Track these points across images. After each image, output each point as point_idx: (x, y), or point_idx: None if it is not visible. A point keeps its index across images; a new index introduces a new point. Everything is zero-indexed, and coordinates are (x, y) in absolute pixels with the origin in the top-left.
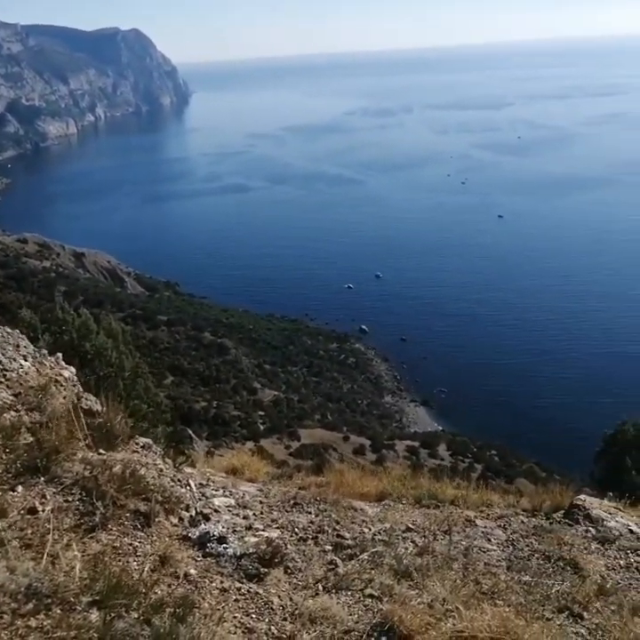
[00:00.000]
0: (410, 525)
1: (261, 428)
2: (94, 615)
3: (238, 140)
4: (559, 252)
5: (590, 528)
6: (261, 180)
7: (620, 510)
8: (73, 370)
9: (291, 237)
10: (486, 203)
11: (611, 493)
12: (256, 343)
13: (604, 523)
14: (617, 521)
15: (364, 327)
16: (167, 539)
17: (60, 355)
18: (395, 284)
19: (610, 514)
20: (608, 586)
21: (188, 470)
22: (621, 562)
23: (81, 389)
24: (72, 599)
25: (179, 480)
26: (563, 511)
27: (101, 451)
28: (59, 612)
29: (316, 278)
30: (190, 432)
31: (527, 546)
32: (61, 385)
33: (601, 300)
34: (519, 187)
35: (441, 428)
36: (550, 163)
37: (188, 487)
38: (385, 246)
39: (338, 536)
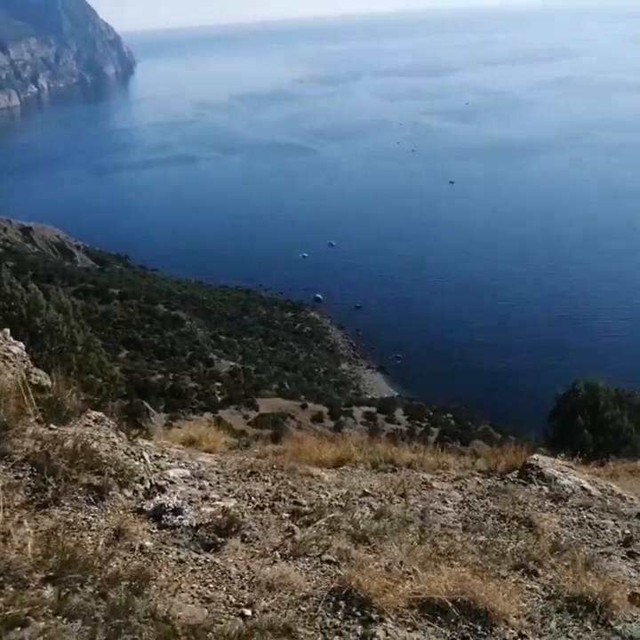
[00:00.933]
0: (366, 490)
1: (219, 399)
2: (48, 591)
3: (187, 110)
4: (511, 216)
5: (544, 486)
6: (212, 150)
7: (573, 468)
8: (22, 345)
9: (243, 207)
10: (437, 169)
11: (563, 452)
12: (211, 314)
13: (557, 481)
14: (569, 479)
15: (318, 296)
16: (121, 512)
17: (7, 330)
18: (348, 253)
19: (562, 472)
20: (562, 543)
21: (143, 443)
22: (574, 519)
23: (31, 365)
24: (25, 576)
25: (132, 453)
26: (517, 471)
27: (52, 426)
28: (11, 589)
29: (270, 248)
30: (147, 405)
31: (482, 506)
32: (10, 361)
33: (552, 264)
34: (469, 152)
35: (397, 393)
36: (499, 128)
37: (142, 460)
38: (338, 215)
39: (295, 503)
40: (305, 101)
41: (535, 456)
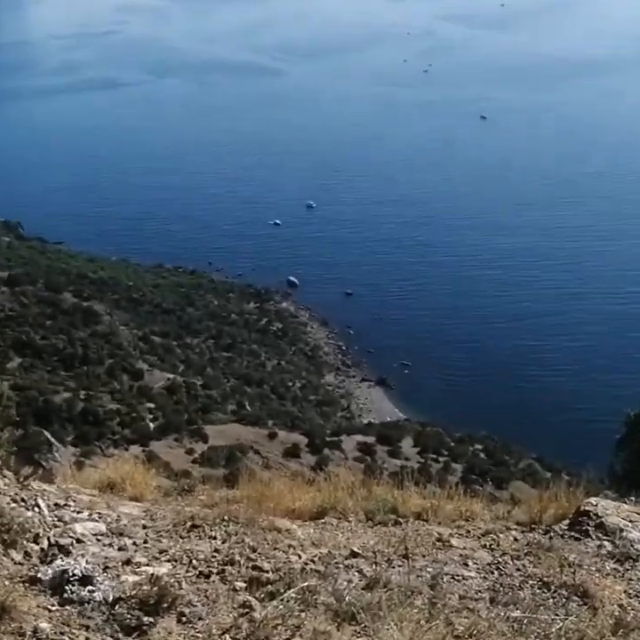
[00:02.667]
0: (356, 549)
1: (151, 426)
2: None
3: (103, 16)
4: (568, 168)
5: (605, 542)
6: (138, 72)
7: None
8: None
9: (183, 155)
10: (461, 98)
11: (634, 496)
12: (139, 306)
13: (624, 534)
14: None
15: (293, 279)
16: (6, 582)
17: None
18: (333, 219)
19: (631, 522)
20: (628, 619)
21: (40, 487)
22: None
23: None
24: None
25: (23, 500)
26: (568, 521)
27: None
28: None
29: (225, 213)
30: (48, 435)
31: (519, 570)
32: None
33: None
34: (504, 73)
35: (404, 416)
36: (546, 39)
37: (36, 510)
38: (318, 165)
39: (254, 568)
40: (268, 1)
41: (593, 500)
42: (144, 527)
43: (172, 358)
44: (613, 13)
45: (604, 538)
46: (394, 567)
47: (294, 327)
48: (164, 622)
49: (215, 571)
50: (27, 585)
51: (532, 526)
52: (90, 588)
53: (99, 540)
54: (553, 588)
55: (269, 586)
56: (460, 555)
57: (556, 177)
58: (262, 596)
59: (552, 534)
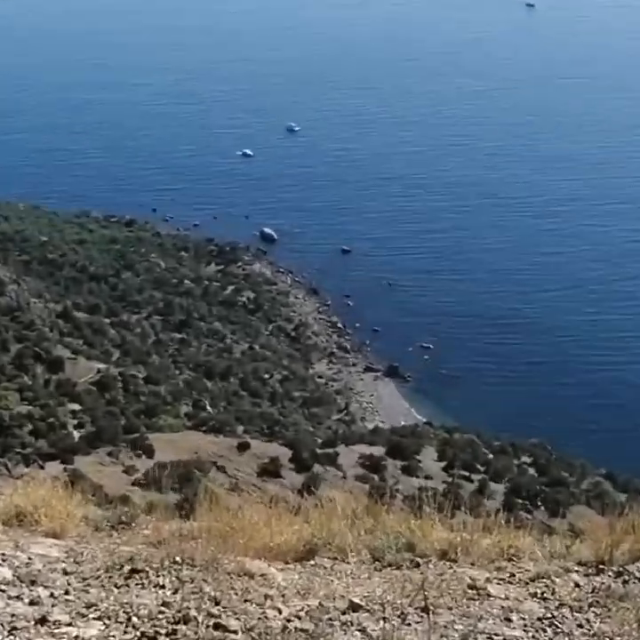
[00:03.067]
0: (357, 601)
1: (76, 435)
2: None
3: None
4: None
5: None
6: None
7: None
8: None
9: (117, 67)
10: None
11: None
12: (57, 270)
13: None
14: None
15: (268, 231)
16: None
17: None
18: (324, 147)
19: None
20: None
21: None
22: None
23: None
24: None
25: None
26: None
27: None
28: None
29: (175, 141)
30: None
31: (581, 626)
32: None
33: None
34: None
35: (424, 419)
36: None
37: None
38: (302, 72)
39: (217, 627)
40: None
41: None
42: (65, 573)
43: (104, 342)
44: None
45: None
46: (409, 624)
47: (272, 298)
48: None
49: (163, 632)
50: None
51: (600, 567)
52: None
53: (2, 592)
54: None
55: None
56: (501, 607)
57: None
58: None
59: (627, 577)
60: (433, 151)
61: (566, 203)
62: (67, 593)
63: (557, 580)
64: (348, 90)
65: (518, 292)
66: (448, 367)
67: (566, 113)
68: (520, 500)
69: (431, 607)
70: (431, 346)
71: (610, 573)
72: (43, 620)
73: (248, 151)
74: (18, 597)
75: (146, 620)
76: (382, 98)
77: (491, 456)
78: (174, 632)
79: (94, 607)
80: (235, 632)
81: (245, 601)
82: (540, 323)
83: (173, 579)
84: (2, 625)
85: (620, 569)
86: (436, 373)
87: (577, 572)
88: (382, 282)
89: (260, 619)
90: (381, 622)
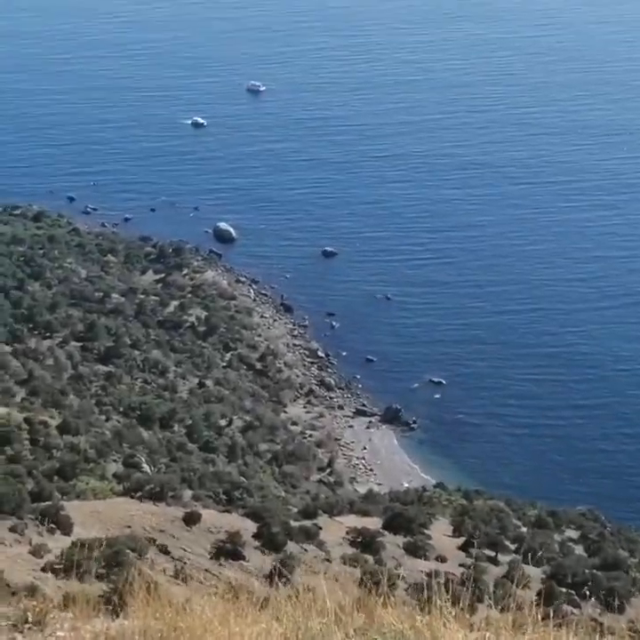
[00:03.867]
0: None
1: None
2: None
3: None
4: None
5: None
6: None
7: None
8: None
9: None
10: None
11: None
12: None
13: None
14: None
15: (225, 228)
16: None
17: None
18: (297, 113)
19: None
20: None
21: None
22: None
23: None
24: None
25: None
26: None
27: None
28: None
29: (96, 107)
30: None
31: None
32: None
33: None
34: None
35: (434, 479)
36: None
37: None
38: (265, 15)
39: None
40: None
41: None
42: None
43: (4, 377)
44: None
45: None
46: None
47: (229, 317)
48: None
49: None
50: None
51: None
52: None
53: None
54: None
55: None
56: None
57: None
58: None
59: None
60: (437, 120)
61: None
62: None
63: None
64: (327, 37)
65: (557, 311)
66: (465, 410)
67: None
68: (563, 589)
69: None
70: (443, 381)
71: None
72: None
73: (199, 119)
74: None
75: None
76: (373, 51)
77: (524, 529)
78: None
79: None
80: None
81: None
82: (587, 352)
83: None
84: None
85: None
86: (450, 419)
87: None
88: (377, 295)
89: None
90: None
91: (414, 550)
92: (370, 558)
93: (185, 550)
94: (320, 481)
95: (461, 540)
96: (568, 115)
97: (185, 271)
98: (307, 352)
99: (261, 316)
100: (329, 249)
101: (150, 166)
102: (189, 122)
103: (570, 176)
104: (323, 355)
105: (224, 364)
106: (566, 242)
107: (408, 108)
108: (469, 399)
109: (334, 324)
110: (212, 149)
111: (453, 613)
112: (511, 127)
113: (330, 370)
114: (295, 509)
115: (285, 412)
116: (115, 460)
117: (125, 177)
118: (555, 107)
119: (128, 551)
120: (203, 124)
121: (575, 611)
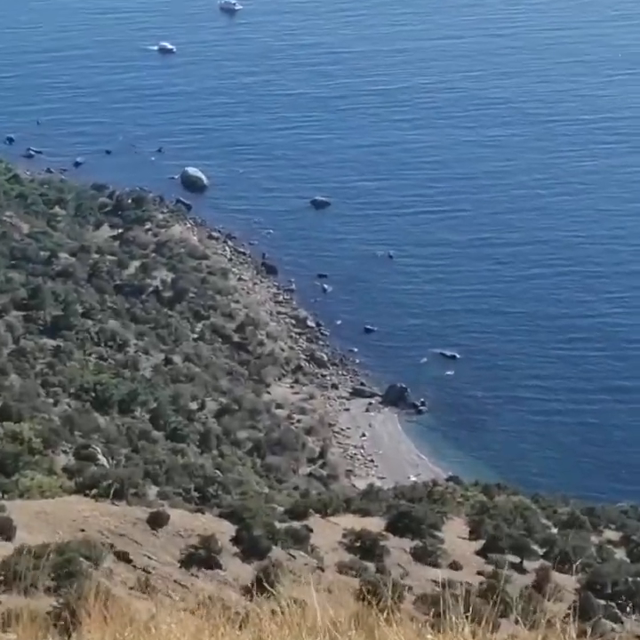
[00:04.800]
0: None
1: None
2: None
3: None
4: None
5: None
6: None
7: None
8: None
9: None
10: None
11: None
12: None
13: None
14: None
15: (194, 173)
16: None
17: None
18: (281, 38)
19: None
20: None
21: None
22: None
23: None
24: None
25: None
26: None
27: None
28: None
29: (39, 27)
30: None
31: None
32: None
33: None
34: None
35: (447, 472)
36: None
37: None
38: None
39: None
40: None
41: None
42: None
43: None
44: None
45: None
46: None
47: (201, 280)
48: None
49: None
50: None
51: None
52: None
53: None
54: None
55: None
56: None
57: None
58: None
59: None
60: (444, 47)
61: None
62: None
63: None
64: None
65: (589, 275)
66: (482, 391)
67: None
68: (602, 601)
69: None
70: (457, 355)
71: None
72: None
73: (167, 45)
74: None
75: None
76: None
77: (554, 530)
78: None
79: None
80: None
81: None
82: (625, 324)
83: None
84: None
85: None
86: (465, 400)
87: None
88: (377, 253)
89: None
90: None
91: (424, 556)
92: (371, 566)
93: (150, 558)
94: (311, 474)
95: (480, 543)
96: (604, 39)
97: (147, 226)
98: (293, 321)
99: (239, 279)
100: (319, 198)
101: (106, 103)
102: (156, 48)
103: (603, 113)
104: (313, 324)
105: (195, 336)
106: (600, 192)
107: (410, 32)
108: (487, 378)
109: (326, 287)
110: (178, 82)
111: (471, 631)
112: (534, 54)
113: (321, 342)
114: (281, 509)
115: (268, 393)
116: (65, 452)
117: (76, 115)
118: (589, 29)
119: (82, 559)
120: (171, 50)
121: (616, 626)
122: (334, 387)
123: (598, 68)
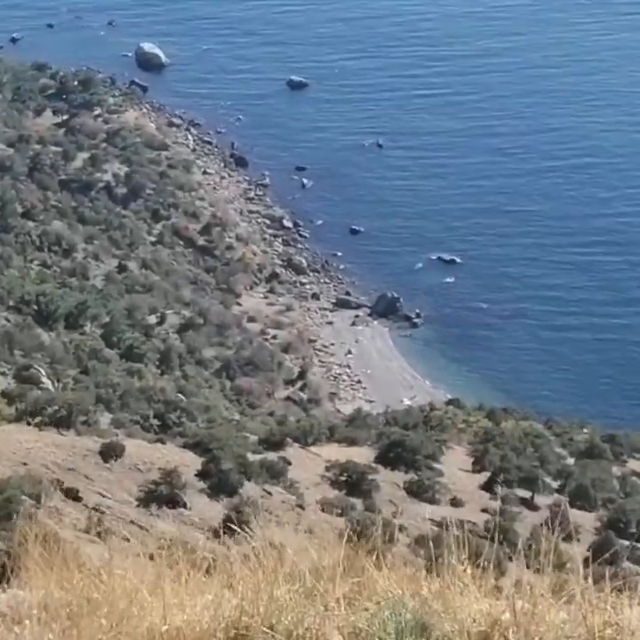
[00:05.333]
0: None
1: None
2: None
3: None
4: None
5: None
6: None
7: None
8: None
9: None
10: None
11: None
12: None
13: None
14: None
15: (151, 49)
16: None
17: None
18: None
19: None
20: None
21: None
22: None
23: None
24: None
25: None
26: None
27: None
28: None
29: None
30: None
31: None
32: None
33: None
34: None
35: (445, 394)
36: None
37: None
38: None
39: None
40: None
41: None
42: None
43: None
44: None
45: None
46: None
47: (161, 174)
48: None
49: None
50: None
51: None
52: None
53: None
54: None
55: None
56: None
57: None
58: None
59: None
60: None
61: None
62: None
63: None
64: None
65: (610, 168)
66: (487, 301)
67: None
68: (625, 541)
69: None
70: (457, 260)
71: None
72: None
73: None
74: None
75: None
76: None
77: (570, 461)
78: None
79: None
80: None
81: None
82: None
83: None
84: None
85: None
86: (467, 312)
87: None
88: (364, 142)
89: None
90: None
91: (419, 491)
92: (358, 503)
93: (102, 495)
94: (288, 398)
95: (484, 476)
96: None
97: (97, 111)
98: (267, 221)
99: (204, 173)
100: (296, 78)
101: None
102: None
103: None
104: (290, 225)
105: (153, 239)
106: (623, 70)
107: None
108: (491, 287)
109: (305, 182)
110: None
111: (472, 575)
112: None
113: (300, 245)
114: (254, 438)
115: (239, 304)
116: (3, 374)
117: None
118: None
119: (23, 497)
120: None
121: None
122: (315, 297)
123: None
